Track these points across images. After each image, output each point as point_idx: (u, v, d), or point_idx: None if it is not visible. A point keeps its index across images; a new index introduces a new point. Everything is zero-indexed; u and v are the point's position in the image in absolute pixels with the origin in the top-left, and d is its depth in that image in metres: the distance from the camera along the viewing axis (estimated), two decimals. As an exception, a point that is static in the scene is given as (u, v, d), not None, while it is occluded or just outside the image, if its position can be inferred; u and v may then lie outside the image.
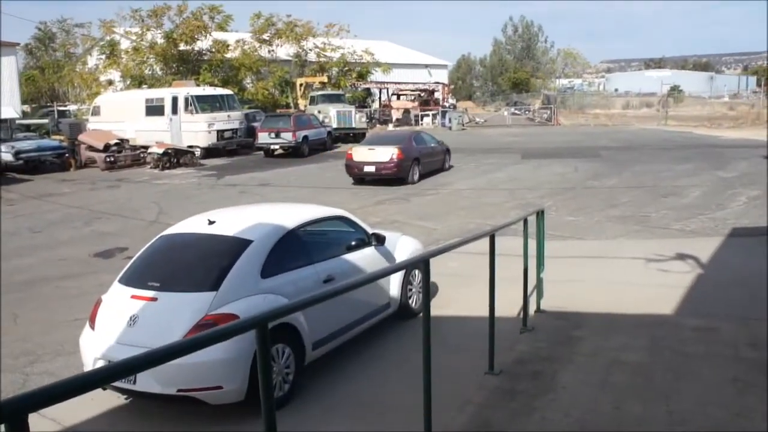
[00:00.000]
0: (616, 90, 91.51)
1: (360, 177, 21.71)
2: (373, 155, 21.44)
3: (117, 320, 6.11)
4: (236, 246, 6.50)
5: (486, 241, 6.45)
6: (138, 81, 42.90)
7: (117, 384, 5.74)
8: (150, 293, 6.20)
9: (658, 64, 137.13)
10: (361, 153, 21.92)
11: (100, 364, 5.97)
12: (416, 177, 21.81)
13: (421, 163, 22.29)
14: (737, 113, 50.45)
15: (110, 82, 44.58)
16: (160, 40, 43.39)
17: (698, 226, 13.53)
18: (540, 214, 8.70)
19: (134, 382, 5.71)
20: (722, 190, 17.57)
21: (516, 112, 61.69)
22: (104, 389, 5.82)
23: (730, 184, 18.50)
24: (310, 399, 6.38)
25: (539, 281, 8.50)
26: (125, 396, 6.22)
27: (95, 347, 6.13)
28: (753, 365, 6.31)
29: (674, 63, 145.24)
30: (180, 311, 5.99)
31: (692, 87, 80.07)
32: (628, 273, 10.36)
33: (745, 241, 12.32)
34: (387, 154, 21.24)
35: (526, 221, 7.81)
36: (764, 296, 8.82)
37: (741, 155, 25.27)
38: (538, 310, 8.39)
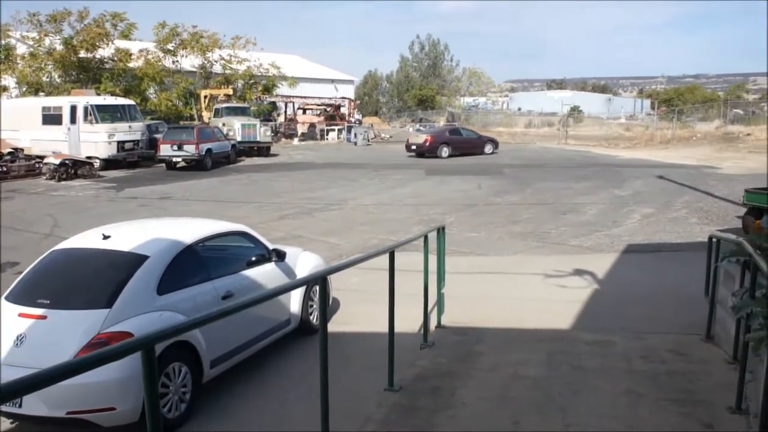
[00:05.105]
0: (519, 109, 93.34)
1: (411, 150, 36.38)
2: (416, 139, 37.85)
3: (3, 340, 5.82)
4: (131, 261, 6.29)
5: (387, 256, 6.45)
6: (35, 88, 41.50)
7: (1, 407, 5.44)
8: (39, 311, 5.91)
9: (559, 85, 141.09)
10: (412, 137, 39.17)
11: (-17, 386, 5.68)
12: (445, 155, 35.56)
13: (452, 146, 36.24)
14: (633, 134, 52.30)
15: (4, 89, 42.84)
16: (59, 47, 42.03)
17: (595, 242, 13.94)
18: (441, 231, 8.80)
19: (20, 405, 5.43)
20: (618, 208, 18.18)
21: (421, 128, 62.27)
22: (-14, 412, 5.54)
23: (626, 202, 19.17)
24: (207, 419, 6.23)
25: (440, 297, 8.56)
26: (10, 420, 5.92)
27: (-22, 368, 5.81)
28: (645, 377, 6.54)
29: (575, 84, 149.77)
30: (71, 330, 5.73)
31: (591, 108, 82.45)
32: (527, 288, 10.59)
33: (639, 257, 12.77)
34: (422, 138, 37.23)
35: (426, 237, 7.88)
36: (655, 310, 9.17)
37: (635, 174, 26.23)
38: (439, 325, 8.45)
